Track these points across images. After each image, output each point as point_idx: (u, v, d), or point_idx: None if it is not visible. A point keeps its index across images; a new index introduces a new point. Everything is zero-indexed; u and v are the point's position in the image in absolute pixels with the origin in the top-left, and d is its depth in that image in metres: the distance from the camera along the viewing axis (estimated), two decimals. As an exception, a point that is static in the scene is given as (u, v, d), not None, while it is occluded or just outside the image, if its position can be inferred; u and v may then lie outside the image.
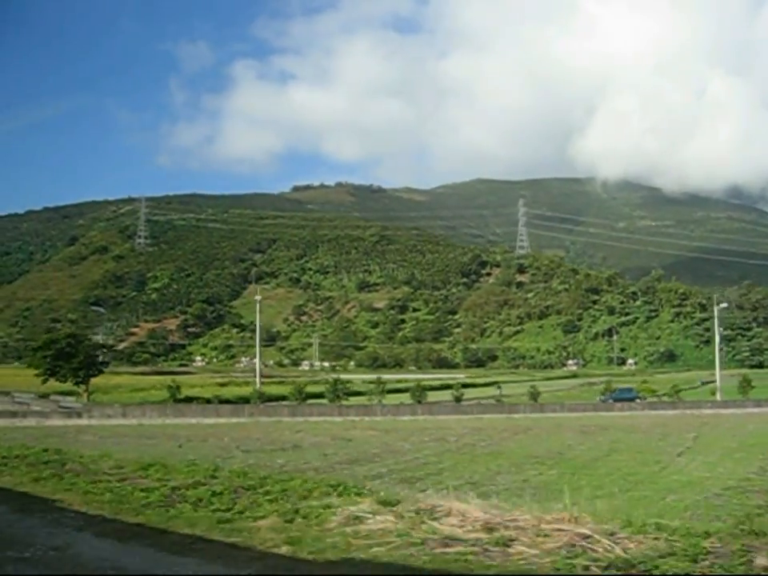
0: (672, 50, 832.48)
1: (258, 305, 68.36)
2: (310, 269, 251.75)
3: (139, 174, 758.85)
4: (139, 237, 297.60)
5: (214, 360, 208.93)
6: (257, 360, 62.61)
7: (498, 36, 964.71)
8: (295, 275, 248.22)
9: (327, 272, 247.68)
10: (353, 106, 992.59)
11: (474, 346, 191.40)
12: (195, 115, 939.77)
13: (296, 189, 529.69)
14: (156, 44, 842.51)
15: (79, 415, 39.35)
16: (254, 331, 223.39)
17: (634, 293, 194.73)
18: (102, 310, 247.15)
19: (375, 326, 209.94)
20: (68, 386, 60.45)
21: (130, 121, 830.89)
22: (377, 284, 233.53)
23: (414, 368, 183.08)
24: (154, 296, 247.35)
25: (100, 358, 63.18)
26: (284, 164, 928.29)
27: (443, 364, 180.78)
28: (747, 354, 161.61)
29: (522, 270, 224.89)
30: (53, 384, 58.95)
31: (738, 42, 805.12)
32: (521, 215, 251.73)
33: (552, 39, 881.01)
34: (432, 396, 57.45)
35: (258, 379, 55.51)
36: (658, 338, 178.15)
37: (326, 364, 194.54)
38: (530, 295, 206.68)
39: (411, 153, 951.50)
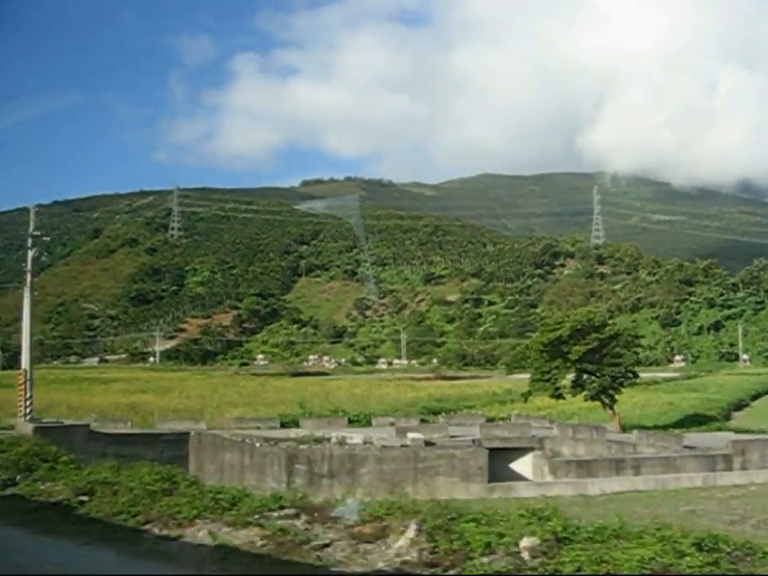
0: (681, 43, 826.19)
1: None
2: (365, 261, 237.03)
3: (136, 169, 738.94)
4: (172, 228, 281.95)
5: (278, 358, 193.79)
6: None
7: (505, 29, 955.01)
8: (350, 267, 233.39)
9: (385, 264, 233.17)
10: (356, 100, 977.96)
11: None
12: (194, 110, 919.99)
13: (305, 183, 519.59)
14: (157, 38, 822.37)
15: (728, 463, 23.05)
16: (316, 327, 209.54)
17: (734, 284, 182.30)
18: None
19: (451, 320, 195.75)
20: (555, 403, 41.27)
21: (128, 116, 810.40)
22: (442, 276, 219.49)
23: (483, 366, 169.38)
24: (199, 290, 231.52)
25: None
26: (284, 160, 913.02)
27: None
28: None
29: (600, 260, 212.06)
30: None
31: (749, 35, 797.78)
32: (595, 203, 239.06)
33: (560, 32, 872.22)
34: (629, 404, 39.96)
35: None
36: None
37: (405, 362, 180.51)
38: (617, 287, 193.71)
39: (415, 148, 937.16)
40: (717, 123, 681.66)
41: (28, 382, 30.96)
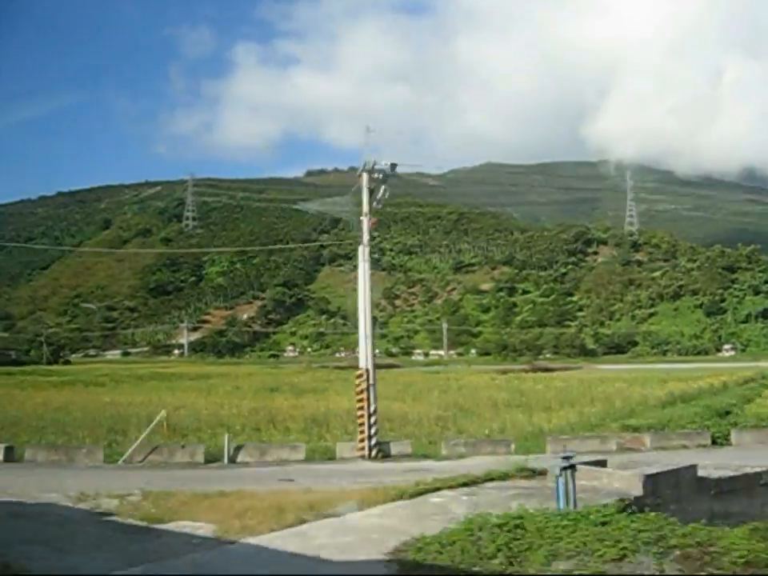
0: (684, 30, 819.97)
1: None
2: (391, 249, 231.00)
3: (136, 161, 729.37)
4: (187, 218, 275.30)
5: (308, 350, 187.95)
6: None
7: (508, 18, 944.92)
8: (374, 256, 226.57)
9: (411, 252, 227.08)
10: (357, 91, 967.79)
11: (606, 331, 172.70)
12: (194, 102, 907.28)
13: (310, 173, 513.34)
14: (157, 30, 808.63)
15: None
16: (345, 317, 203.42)
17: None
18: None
19: (486, 309, 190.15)
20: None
21: (128, 108, 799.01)
22: (472, 264, 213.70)
23: (550, 355, 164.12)
24: (219, 280, 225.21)
25: None
26: (284, 151, 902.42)
27: (585, 351, 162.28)
28: None
29: (636, 247, 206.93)
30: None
31: (753, 24, 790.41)
32: (629, 189, 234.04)
33: (563, 20, 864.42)
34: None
35: None
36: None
37: (442, 353, 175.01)
38: (656, 274, 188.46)
39: (415, 138, 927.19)
40: (721, 111, 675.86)
41: (371, 389, 20.82)
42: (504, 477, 14.91)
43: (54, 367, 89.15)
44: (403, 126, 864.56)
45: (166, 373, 64.77)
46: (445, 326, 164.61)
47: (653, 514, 9.64)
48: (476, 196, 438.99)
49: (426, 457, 21.25)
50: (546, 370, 76.15)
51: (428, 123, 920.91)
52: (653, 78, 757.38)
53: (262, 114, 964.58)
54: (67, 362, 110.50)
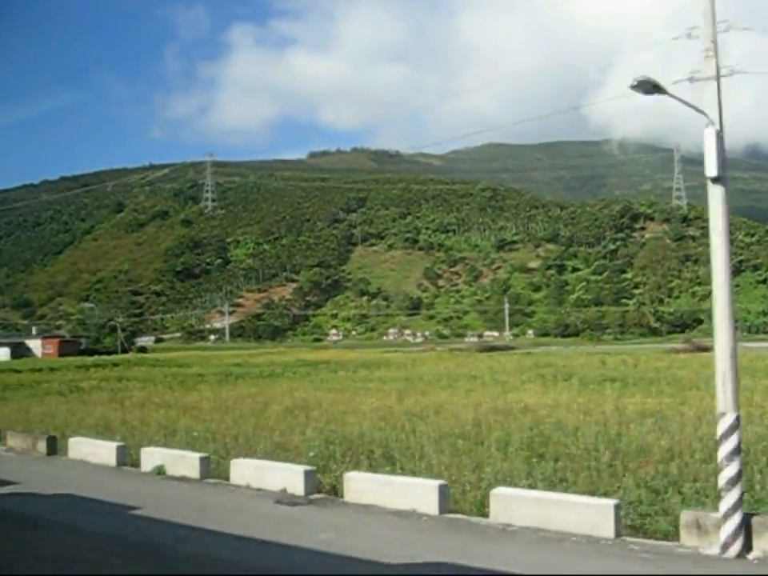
0: (686, 3, 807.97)
1: None
2: (426, 228, 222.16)
3: (134, 144, 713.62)
4: (206, 200, 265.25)
5: (353, 333, 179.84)
6: None
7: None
8: (410, 235, 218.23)
9: (448, 230, 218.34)
10: (355, 71, 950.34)
11: (668, 309, 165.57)
12: (190, 85, 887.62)
13: (312, 155, 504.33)
14: (151, 11, 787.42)
15: None
16: (387, 298, 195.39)
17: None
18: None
19: (537, 288, 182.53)
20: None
21: (123, 93, 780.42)
22: (515, 242, 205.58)
23: (613, 336, 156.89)
24: (249, 262, 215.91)
25: None
26: (280, 132, 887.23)
27: (650, 330, 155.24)
28: None
29: (686, 222, 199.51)
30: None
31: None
32: (676, 162, 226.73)
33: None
34: None
35: None
36: None
37: (496, 333, 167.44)
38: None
39: (414, 118, 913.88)
40: (725, 87, 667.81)
41: None
42: None
43: (147, 355, 79.36)
44: (401, 105, 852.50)
45: (312, 360, 55.40)
46: (507, 305, 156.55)
47: None
48: (479, 173, 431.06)
49: None
50: (706, 349, 68.21)
51: (428, 103, 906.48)
52: (655, 53, 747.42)
53: (259, 96, 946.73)
54: (143, 350, 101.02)
